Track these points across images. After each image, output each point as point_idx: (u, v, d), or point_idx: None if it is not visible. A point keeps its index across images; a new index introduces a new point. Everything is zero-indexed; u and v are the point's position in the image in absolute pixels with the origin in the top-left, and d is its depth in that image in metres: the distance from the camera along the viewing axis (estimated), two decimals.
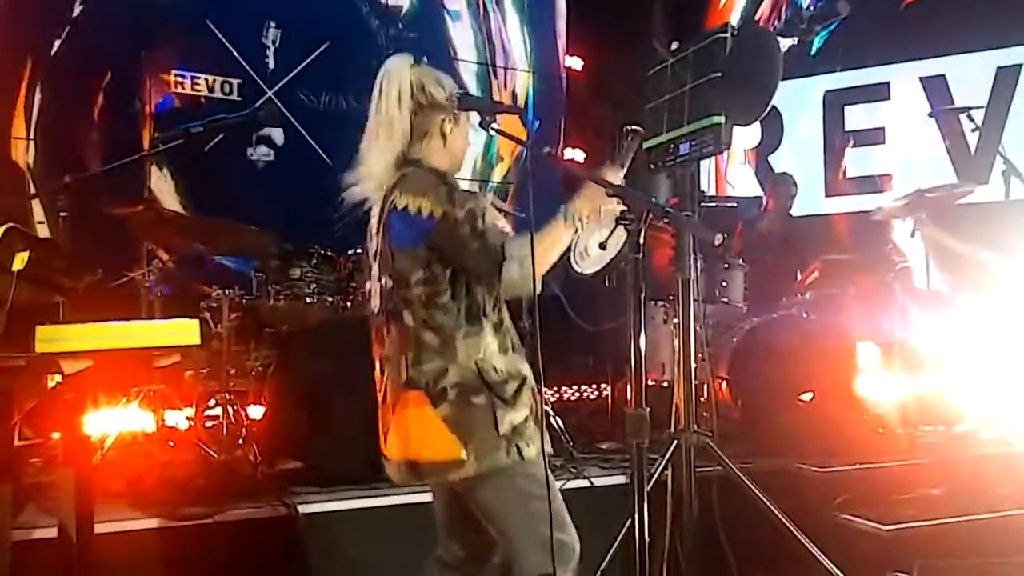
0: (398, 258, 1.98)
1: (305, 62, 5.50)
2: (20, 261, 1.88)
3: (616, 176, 2.06)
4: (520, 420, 1.94)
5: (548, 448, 2.01)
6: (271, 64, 5.47)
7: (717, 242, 1.79)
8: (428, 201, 1.93)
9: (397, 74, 2.02)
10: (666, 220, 1.85)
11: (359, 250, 4.29)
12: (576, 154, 5.94)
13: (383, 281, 2.03)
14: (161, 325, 2.21)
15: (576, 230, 1.96)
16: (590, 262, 2.16)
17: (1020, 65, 5.45)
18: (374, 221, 2.07)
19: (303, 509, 3.00)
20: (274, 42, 5.47)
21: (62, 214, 2.83)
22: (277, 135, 5.41)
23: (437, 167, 2.05)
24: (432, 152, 2.06)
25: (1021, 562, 3.00)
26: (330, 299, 3.98)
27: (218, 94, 5.30)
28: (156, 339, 2.07)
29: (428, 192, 1.94)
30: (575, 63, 6.43)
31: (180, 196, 5.07)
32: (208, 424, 3.70)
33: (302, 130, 5.43)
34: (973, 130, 4.85)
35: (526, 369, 2.02)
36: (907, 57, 5.79)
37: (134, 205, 3.47)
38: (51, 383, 2.04)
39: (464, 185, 2.13)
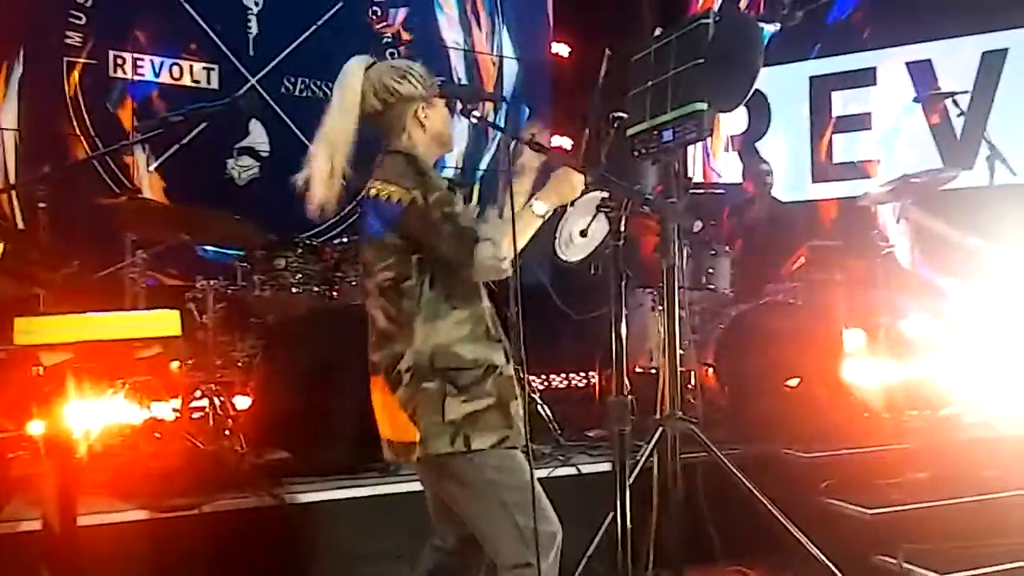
0: (367, 247, 2.00)
1: (288, 49, 5.46)
2: None
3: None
4: (478, 408, 1.93)
5: (520, 434, 1.98)
6: (251, 51, 5.42)
7: (696, 229, 1.80)
8: (398, 188, 1.93)
9: (350, 77, 2.04)
10: (646, 207, 1.85)
11: (345, 240, 4.28)
12: (564, 141, 5.92)
13: (359, 268, 2.04)
14: (141, 316, 2.20)
15: (544, 219, 1.95)
16: (575, 249, 2.17)
17: (1006, 50, 5.45)
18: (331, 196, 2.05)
19: (291, 499, 3.00)
20: (255, 27, 5.41)
21: (41, 205, 2.80)
22: (260, 141, 5.34)
23: (425, 154, 2.05)
24: (416, 142, 2.06)
25: (1006, 545, 3.03)
26: (316, 289, 3.96)
27: (199, 81, 5.24)
28: (136, 330, 2.05)
29: (399, 179, 1.94)
30: (562, 50, 6.41)
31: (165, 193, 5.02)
32: (194, 415, 3.68)
33: (286, 118, 5.40)
34: (959, 115, 4.85)
35: (498, 358, 2.00)
36: (893, 42, 5.79)
37: (117, 196, 3.45)
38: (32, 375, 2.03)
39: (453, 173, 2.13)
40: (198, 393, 3.72)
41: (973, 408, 4.20)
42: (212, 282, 3.82)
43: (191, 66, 5.22)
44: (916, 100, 5.33)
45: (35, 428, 2.94)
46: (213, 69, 5.28)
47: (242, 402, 3.73)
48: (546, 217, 1.94)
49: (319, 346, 3.40)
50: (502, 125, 1.84)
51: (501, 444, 1.94)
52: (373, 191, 1.97)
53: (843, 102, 6.02)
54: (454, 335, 1.95)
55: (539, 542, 1.92)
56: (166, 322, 2.04)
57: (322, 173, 2.01)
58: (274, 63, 5.44)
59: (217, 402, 3.60)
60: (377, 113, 2.04)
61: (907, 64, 5.75)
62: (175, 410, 3.63)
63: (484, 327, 2.01)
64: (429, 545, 2.20)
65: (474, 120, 2.08)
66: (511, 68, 6.37)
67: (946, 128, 5.51)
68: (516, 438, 1.97)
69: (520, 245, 1.93)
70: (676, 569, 2.64)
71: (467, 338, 1.96)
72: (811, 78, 6.13)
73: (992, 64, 5.46)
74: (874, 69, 5.90)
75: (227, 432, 3.54)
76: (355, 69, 2.05)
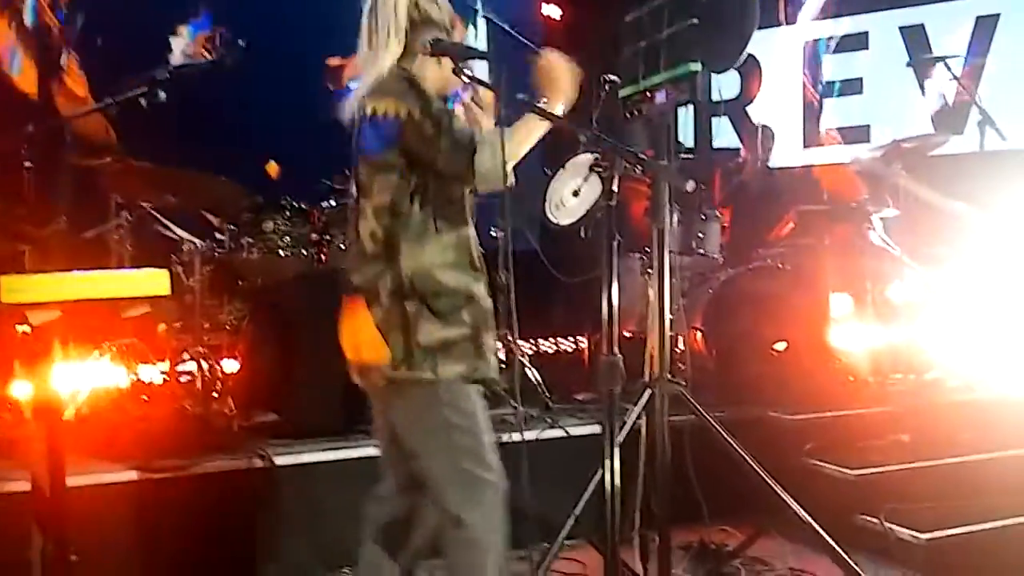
0: (363, 166, 1.98)
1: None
2: None
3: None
4: (452, 336, 1.93)
5: (491, 367, 1.99)
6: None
7: (689, 189, 1.79)
8: (395, 103, 1.91)
9: None
10: (639, 167, 1.84)
11: (333, 203, 4.25)
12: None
13: (351, 190, 2.03)
14: (130, 275, 2.17)
15: (549, 118, 1.92)
16: (565, 213, 2.16)
17: (998, 15, 5.42)
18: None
19: (279, 461, 3.01)
20: None
21: (26, 164, 2.76)
22: None
23: (431, 87, 2.01)
24: (426, 69, 2.03)
25: (985, 504, 3.08)
26: (304, 252, 3.94)
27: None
28: (125, 289, 2.03)
29: (395, 94, 1.92)
30: (553, 12, 6.33)
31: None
32: (182, 379, 3.67)
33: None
34: (950, 80, 4.84)
35: (478, 289, 2.00)
36: (886, 6, 5.75)
37: (101, 156, 3.40)
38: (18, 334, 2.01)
39: None
40: (186, 356, 3.71)
41: (956, 372, 4.26)
42: (199, 244, 3.79)
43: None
44: (909, 64, 5.31)
45: (19, 390, 2.92)
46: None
47: (230, 365, 3.72)
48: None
49: (307, 309, 3.39)
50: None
51: (470, 377, 1.94)
52: (369, 108, 1.94)
53: (835, 67, 5.99)
54: (438, 260, 1.95)
55: (479, 489, 1.92)
56: (156, 281, 2.02)
57: (382, 45, 1.97)
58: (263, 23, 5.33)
59: (205, 365, 3.59)
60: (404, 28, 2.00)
61: (900, 28, 5.71)
62: (163, 373, 3.63)
63: (468, 256, 2.00)
64: (372, 499, 2.16)
65: (465, 79, 2.05)
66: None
67: (938, 93, 5.49)
68: (485, 370, 1.98)
69: (525, 148, 1.92)
70: (662, 528, 2.67)
71: (450, 264, 1.96)
72: (804, 42, 6.09)
73: (985, 29, 5.44)
74: (867, 33, 5.87)
75: (215, 395, 3.54)
76: None
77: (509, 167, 1.89)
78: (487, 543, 1.93)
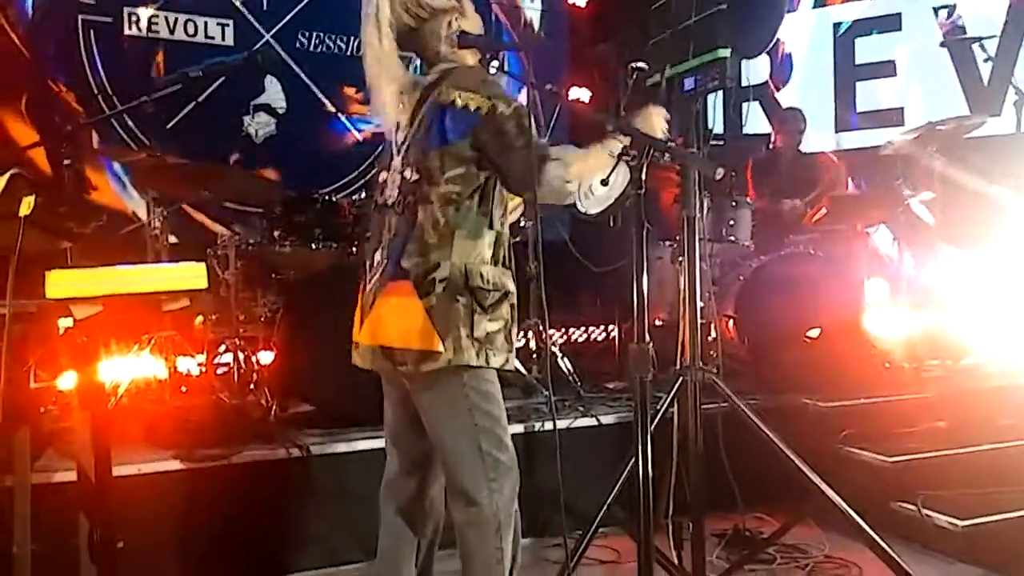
0: (434, 153, 1.97)
1: (302, 3, 5.40)
2: (27, 206, 1.88)
3: (660, 113, 2.07)
4: (493, 329, 1.97)
5: (516, 365, 2.05)
6: (265, 6, 5.36)
7: (719, 176, 1.78)
8: (477, 95, 1.93)
9: None
10: (669, 155, 1.83)
11: (363, 196, 4.28)
12: (582, 93, 5.85)
13: (406, 174, 2.01)
14: (169, 269, 2.22)
15: (614, 159, 1.93)
16: (594, 201, 2.16)
17: None
18: (404, 117, 2.05)
19: (315, 450, 3.06)
20: None
21: (66, 162, 2.82)
22: (277, 97, 5.31)
23: (471, 63, 2.04)
24: (459, 54, 2.04)
25: (1021, 490, 3.04)
26: (335, 245, 3.98)
27: (212, 38, 5.21)
28: (164, 283, 2.08)
29: (477, 86, 1.95)
30: (579, 0, 6.30)
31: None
32: (219, 371, 3.75)
33: (301, 74, 5.37)
34: (986, 60, 4.74)
35: (510, 285, 2.04)
36: None
37: (136, 153, 3.46)
38: (62, 328, 2.07)
39: None
40: (222, 348, 3.78)
41: (993, 357, 4.19)
42: (233, 239, 3.85)
43: (205, 22, 5.18)
44: (942, 45, 5.21)
45: (65, 382, 3.00)
46: (227, 25, 5.24)
47: (266, 357, 3.78)
48: (618, 157, 1.92)
49: (340, 301, 3.41)
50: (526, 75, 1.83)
51: (504, 366, 2.01)
52: (452, 98, 1.95)
53: (868, 49, 5.90)
54: (484, 255, 1.98)
55: (498, 470, 1.97)
56: (193, 275, 2.07)
57: (390, 103, 2.02)
58: (288, 17, 5.39)
59: (241, 357, 3.66)
60: (411, 31, 2.02)
61: (934, 9, 5.61)
62: (200, 365, 3.70)
63: (503, 252, 2.04)
64: (384, 484, 2.18)
65: (493, 69, 2.06)
66: (530, 18, 6.28)
67: (973, 74, 5.38)
68: (513, 361, 2.06)
69: (590, 181, 1.95)
70: (696, 515, 2.68)
71: (491, 261, 2.00)
72: (835, 24, 6.00)
73: (1021, 8, 5.31)
74: (900, 15, 5.76)
75: (252, 386, 3.60)
76: None
77: (574, 187, 1.93)
78: (502, 523, 1.97)
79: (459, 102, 1.93)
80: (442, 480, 2.11)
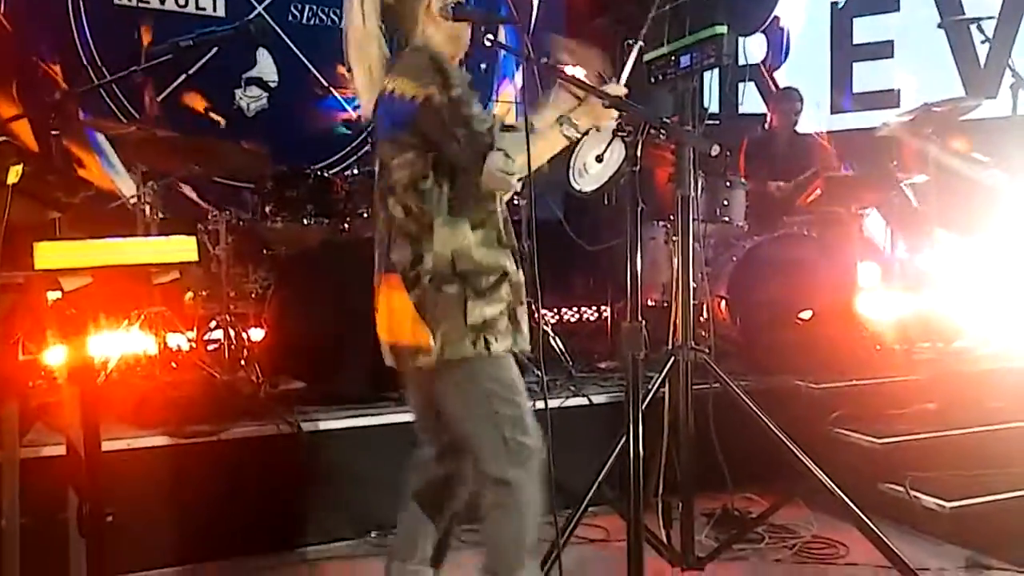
0: (383, 144, 1.97)
1: None
2: (14, 175, 1.84)
3: (617, 91, 2.01)
4: (493, 314, 1.94)
5: (525, 338, 2.00)
6: None
7: (714, 152, 1.76)
8: (414, 84, 1.88)
9: None
10: (663, 132, 1.81)
11: (356, 172, 4.25)
12: (577, 69, 5.79)
13: (375, 167, 2.01)
14: (160, 242, 2.19)
15: (571, 141, 1.91)
16: (589, 179, 2.14)
17: None
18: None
19: (306, 427, 3.05)
20: None
21: (53, 132, 2.78)
22: (269, 71, 5.24)
23: (442, 50, 1.99)
24: (430, 35, 2.00)
25: (1010, 473, 3.06)
26: (327, 220, 3.95)
27: (204, 9, 5.12)
28: (155, 256, 2.05)
29: (416, 75, 1.90)
30: None
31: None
32: (210, 347, 3.73)
33: (294, 47, 5.30)
34: (983, 42, 4.72)
35: (509, 264, 1.99)
36: None
37: (126, 126, 3.41)
38: (50, 300, 2.04)
39: None
40: (213, 324, 3.76)
41: (984, 341, 4.21)
42: (224, 213, 3.82)
43: None
44: (940, 26, 5.18)
45: (52, 356, 2.98)
46: None
47: (256, 333, 3.77)
48: (573, 139, 1.89)
49: (332, 278, 3.41)
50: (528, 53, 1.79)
51: (510, 350, 1.97)
52: (390, 87, 1.92)
53: (865, 29, 5.86)
54: (472, 239, 1.94)
55: (521, 453, 1.95)
56: (184, 248, 2.04)
57: (363, 84, 1.99)
58: None
59: (232, 333, 3.64)
60: (388, 7, 1.99)
61: None
62: (190, 341, 3.68)
63: (496, 232, 1.99)
64: (411, 465, 2.19)
65: (488, 43, 2.03)
66: None
67: (970, 55, 5.35)
68: (522, 342, 2.01)
69: (541, 161, 1.89)
70: (686, 495, 2.68)
71: (482, 242, 1.95)
72: (832, 3, 5.95)
73: None
74: None
75: (242, 363, 3.59)
76: None
77: (518, 176, 1.85)
78: (527, 503, 1.97)
79: (397, 91, 1.90)
80: (470, 474, 2.10)
